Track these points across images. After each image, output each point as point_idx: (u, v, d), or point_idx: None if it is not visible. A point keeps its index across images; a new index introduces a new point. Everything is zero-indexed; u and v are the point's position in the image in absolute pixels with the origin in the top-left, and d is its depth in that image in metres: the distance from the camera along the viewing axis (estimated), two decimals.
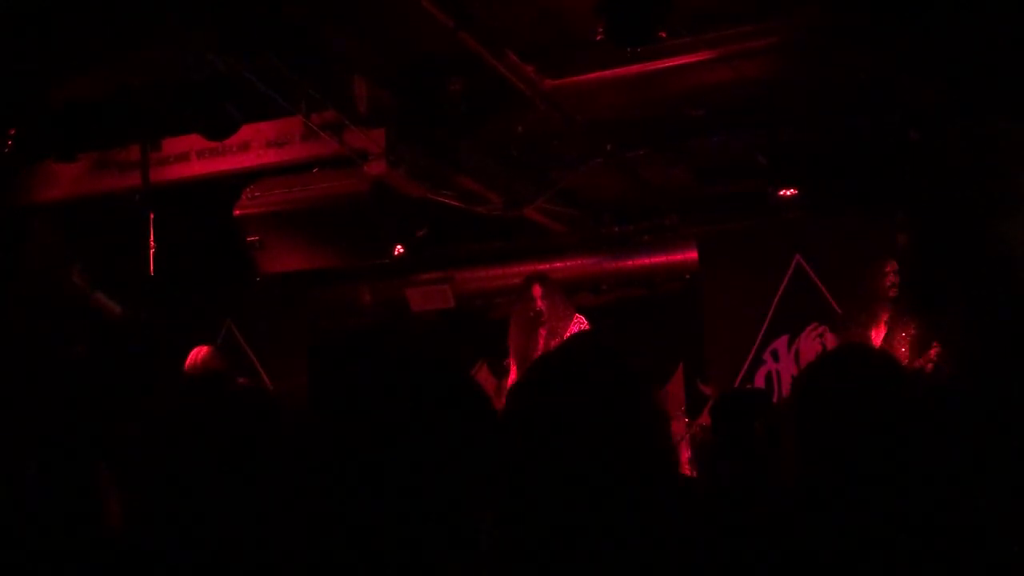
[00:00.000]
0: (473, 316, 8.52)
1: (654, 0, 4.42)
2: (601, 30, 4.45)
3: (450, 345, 8.53)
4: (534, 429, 1.62)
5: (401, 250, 7.39)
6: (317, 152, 5.80)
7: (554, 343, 5.58)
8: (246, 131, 5.59)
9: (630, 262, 7.99)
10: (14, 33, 4.81)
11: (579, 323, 5.80)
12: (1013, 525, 1.15)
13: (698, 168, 6.99)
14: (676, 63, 5.06)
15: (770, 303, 7.29)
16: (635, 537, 1.55)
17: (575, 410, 1.62)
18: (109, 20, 4.71)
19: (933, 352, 4.96)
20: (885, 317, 5.45)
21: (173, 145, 5.98)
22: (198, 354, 5.60)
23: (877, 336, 5.48)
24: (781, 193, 7.19)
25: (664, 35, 4.56)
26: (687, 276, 7.84)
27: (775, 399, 6.98)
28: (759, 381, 7.22)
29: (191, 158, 5.96)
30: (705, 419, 5.92)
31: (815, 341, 7.10)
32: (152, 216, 6.22)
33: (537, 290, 5.89)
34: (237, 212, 6.27)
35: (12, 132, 5.85)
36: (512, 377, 6.18)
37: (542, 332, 5.83)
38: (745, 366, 7.28)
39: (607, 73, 5.18)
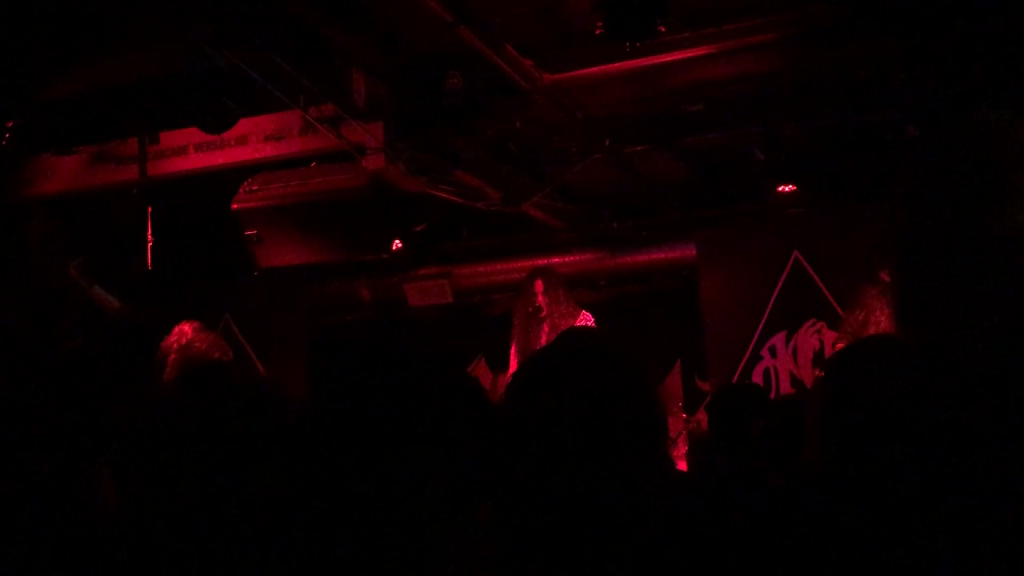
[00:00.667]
0: (471, 311, 8.52)
1: None
2: (600, 25, 4.44)
3: (448, 340, 8.54)
4: (529, 423, 1.61)
5: (399, 245, 7.39)
6: (315, 146, 5.80)
7: None
8: (244, 124, 5.58)
9: (628, 258, 7.99)
10: (12, 26, 4.80)
11: (585, 320, 5.78)
12: None
13: (697, 164, 6.99)
14: (675, 58, 5.06)
15: (768, 299, 7.29)
16: (628, 528, 1.55)
17: (570, 404, 1.62)
18: (107, 13, 4.71)
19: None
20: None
21: (171, 138, 5.97)
22: (183, 332, 5.52)
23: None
24: (779, 189, 7.19)
25: (663, 30, 4.56)
26: (685, 272, 7.84)
27: (772, 395, 6.99)
28: (757, 377, 7.23)
29: (189, 151, 5.95)
30: (702, 415, 5.92)
31: (813, 337, 7.10)
32: (150, 209, 6.21)
33: (539, 284, 5.87)
34: (235, 206, 6.26)
35: (10, 125, 5.84)
36: (511, 371, 6.17)
37: (544, 327, 5.81)
38: (743, 362, 7.29)
39: (606, 68, 5.18)
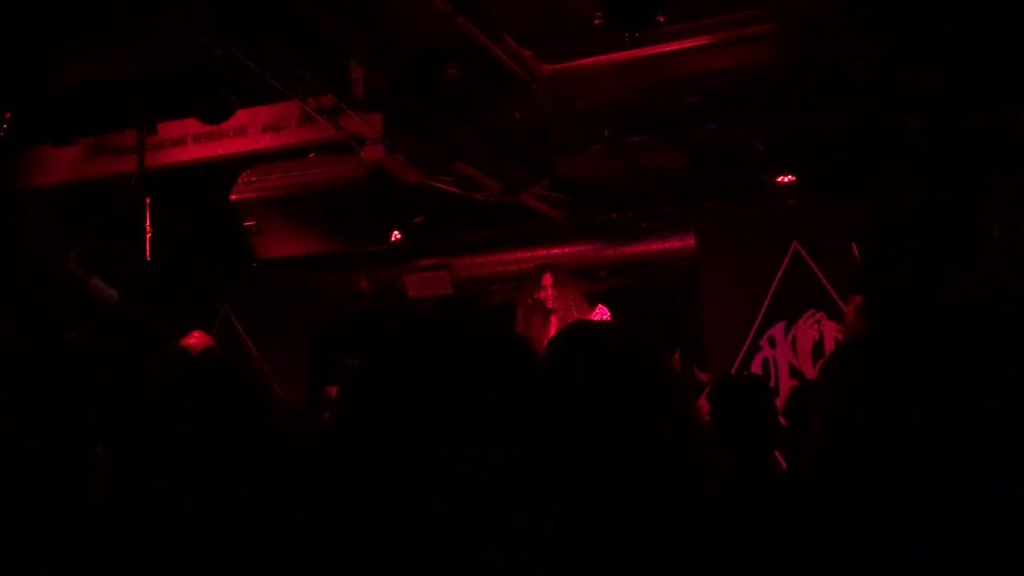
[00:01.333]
0: (471, 303, 8.52)
1: None
2: (599, 15, 4.43)
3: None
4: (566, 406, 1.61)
5: (399, 236, 7.39)
6: (314, 137, 5.78)
7: None
8: (242, 115, 5.56)
9: (628, 249, 7.99)
10: (10, 18, 4.78)
11: (601, 313, 5.76)
12: None
13: (696, 155, 6.98)
14: (674, 48, 5.04)
15: (767, 290, 7.29)
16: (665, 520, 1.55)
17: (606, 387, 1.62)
18: (105, 4, 4.69)
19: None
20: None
21: (169, 129, 5.96)
22: (187, 339, 5.60)
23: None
24: (779, 180, 7.19)
25: (662, 20, 4.54)
26: (684, 263, 7.84)
27: (771, 385, 7.00)
28: (756, 368, 7.23)
29: (187, 142, 5.94)
30: (702, 404, 5.92)
31: (812, 328, 7.11)
32: (148, 201, 6.21)
33: (547, 278, 5.86)
34: (234, 197, 6.25)
35: (8, 116, 5.83)
36: None
37: (553, 320, 5.79)
38: (742, 353, 7.29)
39: (605, 58, 5.16)
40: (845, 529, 1.34)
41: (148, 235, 6.15)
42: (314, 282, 8.29)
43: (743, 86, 5.55)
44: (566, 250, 7.91)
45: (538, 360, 1.42)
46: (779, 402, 6.71)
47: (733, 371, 7.15)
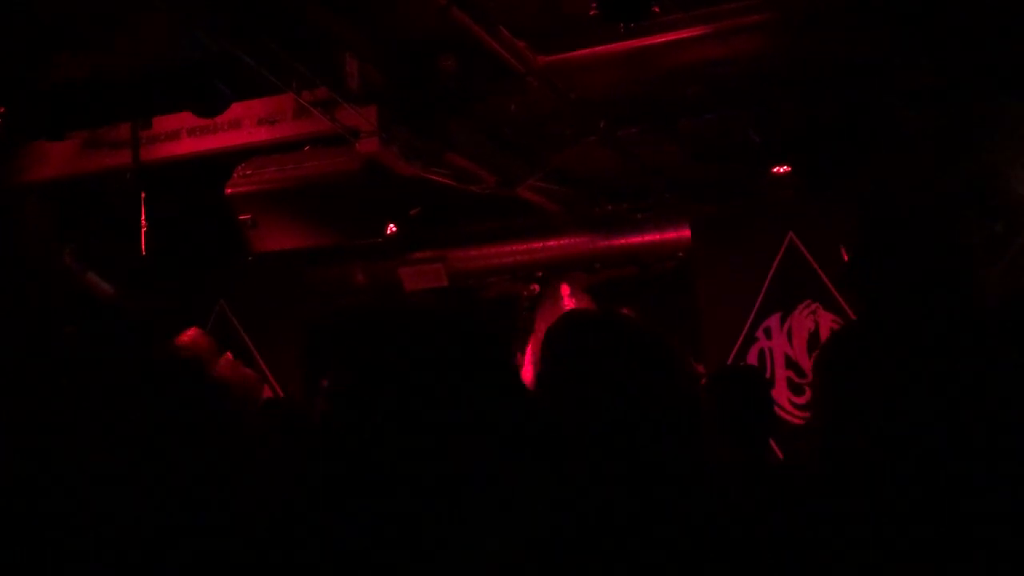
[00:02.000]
0: (467, 295, 8.52)
1: None
2: (594, 6, 4.43)
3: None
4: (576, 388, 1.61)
5: (394, 229, 7.38)
6: (309, 130, 5.77)
7: None
8: (237, 109, 5.55)
9: (623, 240, 7.98)
10: (2, 12, 4.77)
11: None
12: None
13: (692, 146, 6.98)
14: (669, 39, 5.04)
15: (763, 281, 7.30)
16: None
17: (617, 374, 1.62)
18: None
19: None
20: None
21: (163, 123, 5.94)
22: (185, 337, 5.59)
23: None
24: (774, 171, 7.19)
25: (657, 10, 4.54)
26: (680, 254, 7.84)
27: (767, 376, 7.01)
28: (752, 358, 7.24)
29: (182, 136, 5.92)
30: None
31: (808, 318, 7.12)
32: (143, 195, 6.19)
33: (565, 288, 5.90)
34: (229, 190, 6.24)
35: (1, 111, 5.81)
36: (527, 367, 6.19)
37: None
38: (738, 344, 7.30)
39: (600, 49, 5.16)
40: (846, 518, 1.35)
41: (143, 229, 6.13)
42: (310, 275, 8.28)
43: (739, 77, 5.55)
44: (561, 242, 7.91)
45: (510, 361, 1.43)
46: (775, 393, 6.76)
47: (729, 362, 7.16)
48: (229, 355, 5.47)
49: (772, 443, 4.71)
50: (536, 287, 6.13)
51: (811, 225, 7.14)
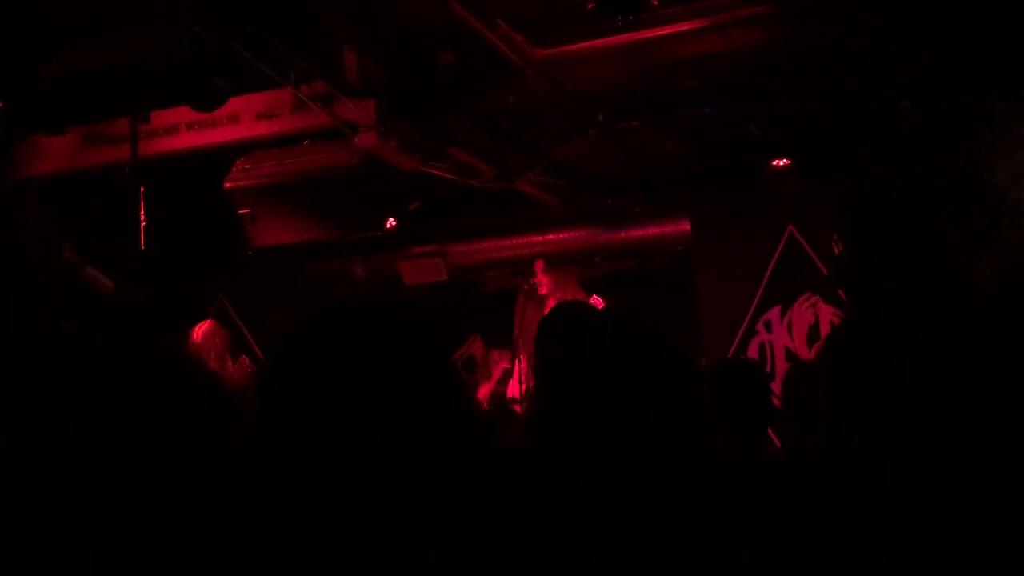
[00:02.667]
0: (466, 289, 8.52)
1: None
2: None
3: (442, 318, 8.53)
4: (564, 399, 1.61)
5: (393, 223, 7.38)
6: (307, 124, 5.77)
7: None
8: (235, 103, 5.55)
9: (623, 234, 7.99)
10: (1, 7, 4.76)
11: (596, 303, 5.78)
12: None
13: (691, 139, 6.97)
14: (667, 32, 5.03)
15: (763, 274, 7.30)
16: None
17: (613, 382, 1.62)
18: None
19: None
20: None
21: (162, 118, 5.94)
22: (199, 329, 5.60)
23: None
24: (774, 163, 7.19)
25: (656, 3, 4.54)
26: (680, 248, 7.84)
27: (767, 369, 7.01)
28: (752, 351, 7.25)
29: (180, 131, 5.92)
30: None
31: (808, 311, 7.12)
32: (142, 189, 6.19)
33: (539, 264, 5.89)
34: (228, 185, 6.25)
35: (1, 106, 5.81)
36: (520, 352, 6.19)
37: (551, 303, 5.82)
38: (738, 337, 7.30)
39: (599, 42, 5.15)
40: (848, 509, 1.35)
41: (142, 224, 6.13)
42: (309, 269, 8.28)
43: (738, 70, 5.54)
44: (561, 236, 7.91)
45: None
46: (775, 385, 6.76)
47: (730, 355, 7.17)
48: (244, 358, 5.49)
49: (771, 435, 4.71)
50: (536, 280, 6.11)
51: (811, 218, 7.14)
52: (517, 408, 6.61)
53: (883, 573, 1.24)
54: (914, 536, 1.22)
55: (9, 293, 6.70)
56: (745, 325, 7.34)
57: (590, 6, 4.48)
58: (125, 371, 1.40)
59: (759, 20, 4.94)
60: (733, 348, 7.29)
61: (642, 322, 1.79)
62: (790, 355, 7.15)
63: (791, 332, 7.17)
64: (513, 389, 6.94)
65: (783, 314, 7.22)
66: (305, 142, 6.15)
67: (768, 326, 7.28)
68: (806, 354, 6.97)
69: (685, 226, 7.70)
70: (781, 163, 7.18)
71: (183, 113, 5.79)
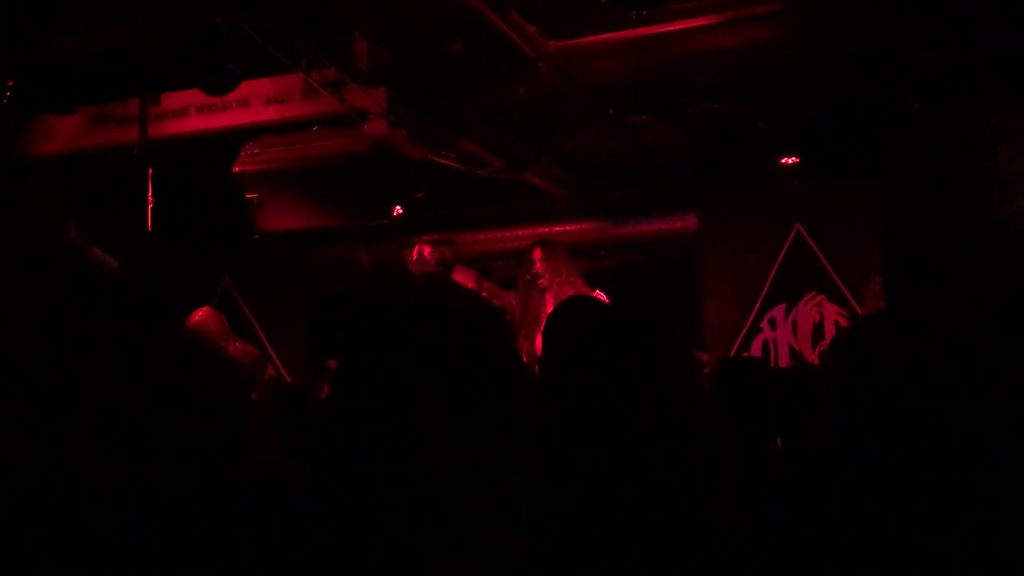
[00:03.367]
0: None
1: None
2: None
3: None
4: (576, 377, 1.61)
5: (400, 211, 7.37)
6: (317, 110, 5.77)
7: None
8: (246, 87, 5.55)
9: (629, 228, 7.99)
10: None
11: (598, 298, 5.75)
12: None
13: (700, 135, 6.96)
14: (680, 27, 5.02)
15: (769, 271, 7.29)
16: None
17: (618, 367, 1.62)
18: None
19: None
20: None
21: (172, 100, 5.94)
22: (195, 315, 5.60)
23: None
24: (783, 161, 7.17)
25: None
26: (686, 243, 7.84)
27: (771, 366, 7.01)
28: (756, 349, 7.25)
29: (190, 113, 5.92)
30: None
31: (813, 310, 7.11)
32: (151, 171, 6.18)
33: (537, 253, 5.86)
34: (236, 169, 6.24)
35: (10, 84, 5.80)
36: (520, 341, 6.18)
37: (548, 298, 5.79)
38: (742, 334, 7.30)
39: (611, 36, 5.14)
40: (854, 511, 1.35)
41: (150, 206, 6.12)
42: (315, 254, 8.29)
43: (749, 66, 5.53)
44: (567, 228, 7.90)
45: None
46: None
47: (733, 352, 7.16)
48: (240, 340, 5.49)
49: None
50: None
51: (818, 217, 7.13)
52: None
53: (885, 574, 1.24)
54: (916, 537, 1.23)
55: (12, 271, 6.69)
56: (749, 322, 7.33)
57: (604, 0, 4.47)
58: (136, 358, 1.40)
59: (771, 17, 4.93)
60: (737, 345, 7.28)
61: (646, 319, 1.79)
62: (794, 354, 7.15)
63: (795, 331, 7.17)
64: None
65: (788, 312, 7.22)
66: (314, 128, 6.14)
67: (772, 324, 7.27)
68: (810, 353, 6.96)
69: (692, 222, 7.69)
70: (790, 161, 7.16)
71: (193, 96, 5.79)
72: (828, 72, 5.86)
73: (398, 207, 7.35)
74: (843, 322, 6.91)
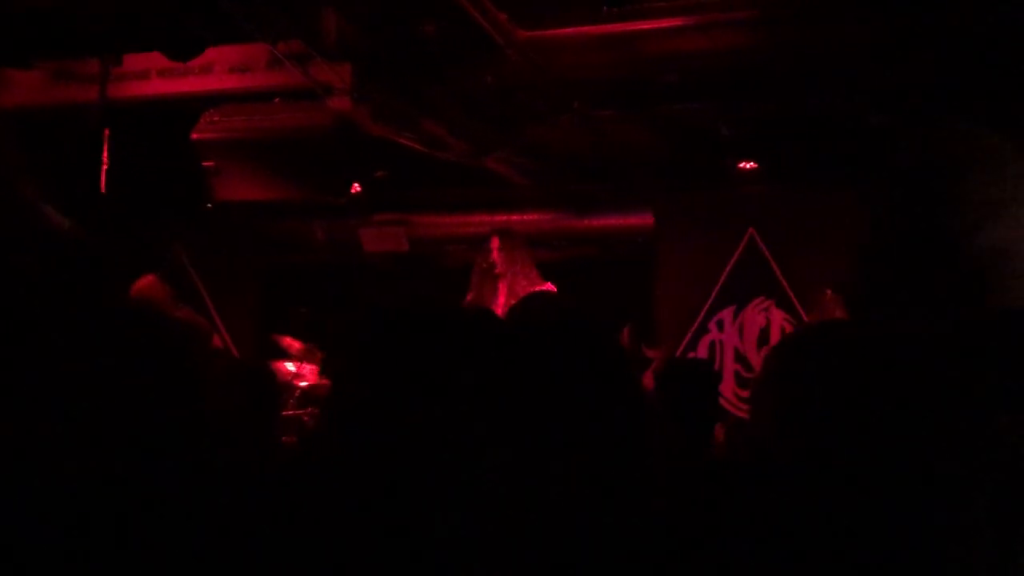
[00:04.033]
0: (426, 261, 8.50)
1: None
2: None
3: (400, 289, 8.52)
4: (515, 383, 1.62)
5: (358, 189, 7.33)
6: (281, 82, 5.69)
7: (512, 302, 5.54)
8: (209, 54, 5.47)
9: (587, 221, 8.02)
10: None
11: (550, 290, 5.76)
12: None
13: (663, 134, 7.00)
14: (650, 26, 5.04)
15: (720, 273, 7.37)
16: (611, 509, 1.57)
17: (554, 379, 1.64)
18: None
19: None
20: None
21: (134, 61, 5.84)
22: (139, 283, 5.54)
23: None
24: (741, 165, 7.24)
25: None
26: (642, 239, 7.88)
27: (716, 368, 7.09)
28: (702, 349, 7.32)
29: (151, 76, 5.82)
30: (647, 381, 5.98)
31: (760, 315, 7.20)
32: (107, 132, 6.08)
33: (494, 242, 5.86)
34: (195, 136, 6.16)
35: None
36: None
37: (501, 287, 5.79)
38: (690, 333, 7.37)
39: (582, 30, 5.15)
40: (792, 511, 1.37)
41: (104, 167, 6.02)
42: (269, 227, 8.21)
43: (716, 70, 5.57)
44: (525, 217, 7.91)
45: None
46: (722, 386, 6.83)
47: (680, 351, 7.23)
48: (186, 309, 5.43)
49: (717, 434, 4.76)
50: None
51: (772, 223, 7.21)
52: None
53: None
54: (852, 541, 1.25)
55: None
56: (698, 322, 7.40)
57: None
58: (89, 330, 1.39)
59: (742, 24, 4.97)
60: (684, 344, 7.35)
61: (590, 323, 1.81)
62: (739, 356, 7.23)
63: (742, 334, 7.25)
64: None
65: (736, 315, 7.30)
66: (276, 100, 6.08)
67: (720, 325, 7.35)
68: (755, 357, 7.05)
69: (649, 218, 7.74)
70: (748, 166, 7.23)
71: (155, 59, 5.69)
72: (792, 81, 5.91)
73: (356, 184, 7.30)
74: (788, 328, 7.00)
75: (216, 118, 6.14)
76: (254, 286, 8.08)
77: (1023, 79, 5.08)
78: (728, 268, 7.35)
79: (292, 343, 6.73)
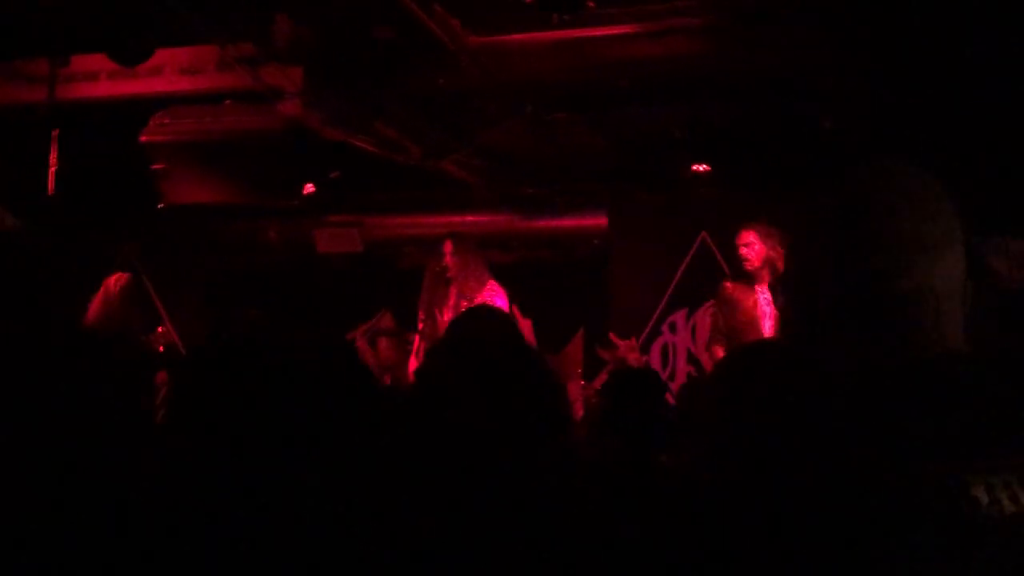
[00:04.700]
0: (381, 263, 8.48)
1: None
2: None
3: (354, 291, 8.49)
4: (441, 403, 1.63)
5: (312, 189, 7.29)
6: (231, 84, 5.65)
7: (464, 305, 5.59)
8: (159, 55, 5.41)
9: (541, 223, 8.04)
10: None
11: (492, 291, 5.79)
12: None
13: (616, 138, 7.03)
14: (601, 33, 5.07)
15: (673, 276, 7.42)
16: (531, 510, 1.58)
17: (480, 387, 1.65)
18: None
19: None
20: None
21: (82, 63, 5.77)
22: (111, 280, 5.50)
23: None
24: (693, 168, 7.29)
25: (592, 5, 4.57)
26: (596, 242, 7.92)
27: (668, 370, 7.14)
28: (655, 351, 7.37)
29: (100, 78, 5.75)
30: (600, 383, 6.02)
31: (711, 318, 7.25)
32: (56, 133, 6.00)
33: (448, 246, 5.89)
34: (144, 138, 6.09)
35: None
36: (419, 327, 6.21)
37: (452, 290, 5.83)
38: (643, 335, 7.41)
39: (532, 36, 5.17)
40: (732, 522, 1.38)
41: (53, 168, 5.95)
42: (221, 228, 8.15)
43: (668, 75, 5.61)
44: (480, 219, 7.92)
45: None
46: (675, 386, 6.89)
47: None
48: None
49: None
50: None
51: (724, 227, 7.26)
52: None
53: None
54: (789, 556, 1.26)
55: None
56: (651, 324, 7.45)
57: (528, 0, 4.49)
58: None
59: (692, 31, 5.01)
60: (638, 346, 7.40)
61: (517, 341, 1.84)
62: (691, 358, 7.29)
63: (694, 336, 7.31)
64: (412, 365, 6.94)
65: (688, 317, 7.35)
66: (227, 102, 6.02)
67: (673, 328, 7.40)
68: (707, 360, 7.10)
69: (603, 221, 7.78)
70: (701, 169, 7.29)
71: (104, 60, 5.62)
72: (744, 88, 5.97)
73: (310, 185, 7.27)
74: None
75: (166, 120, 6.07)
76: (205, 289, 8.02)
77: (955, 117, 5.19)
78: (680, 270, 7.41)
79: None
